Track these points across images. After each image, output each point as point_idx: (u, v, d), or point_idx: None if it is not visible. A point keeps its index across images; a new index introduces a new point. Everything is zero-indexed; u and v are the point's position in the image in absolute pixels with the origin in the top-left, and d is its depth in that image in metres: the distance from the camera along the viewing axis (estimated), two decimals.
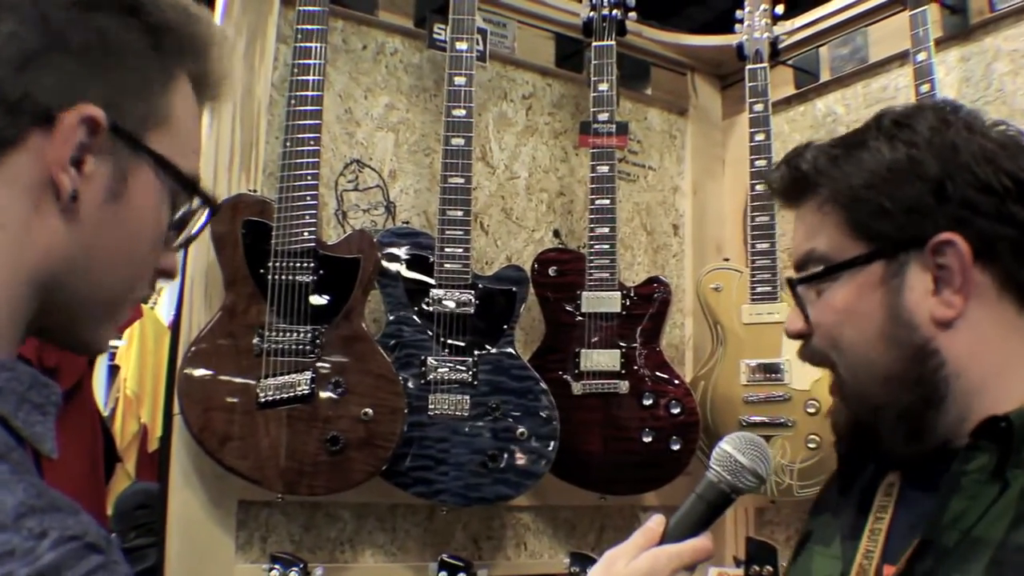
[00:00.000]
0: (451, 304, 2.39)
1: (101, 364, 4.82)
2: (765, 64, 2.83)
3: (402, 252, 2.42)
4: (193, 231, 1.02)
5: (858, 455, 1.39)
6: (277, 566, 2.25)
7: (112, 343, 4.76)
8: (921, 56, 2.48)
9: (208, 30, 0.99)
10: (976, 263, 1.17)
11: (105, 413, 4.48)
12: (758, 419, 2.60)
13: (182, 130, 0.97)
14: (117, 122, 0.89)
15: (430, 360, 2.37)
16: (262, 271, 2.22)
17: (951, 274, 1.17)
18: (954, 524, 1.13)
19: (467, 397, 2.37)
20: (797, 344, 1.36)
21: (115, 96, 0.89)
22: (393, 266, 2.40)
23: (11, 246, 0.86)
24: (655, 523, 1.24)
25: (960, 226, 1.16)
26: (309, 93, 2.30)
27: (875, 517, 1.28)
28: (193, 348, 2.18)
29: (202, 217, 1.02)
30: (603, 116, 2.70)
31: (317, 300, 2.24)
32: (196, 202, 1.00)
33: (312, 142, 2.28)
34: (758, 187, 2.73)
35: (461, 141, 2.44)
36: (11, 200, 0.86)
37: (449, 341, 2.39)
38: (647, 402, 2.58)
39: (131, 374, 4.55)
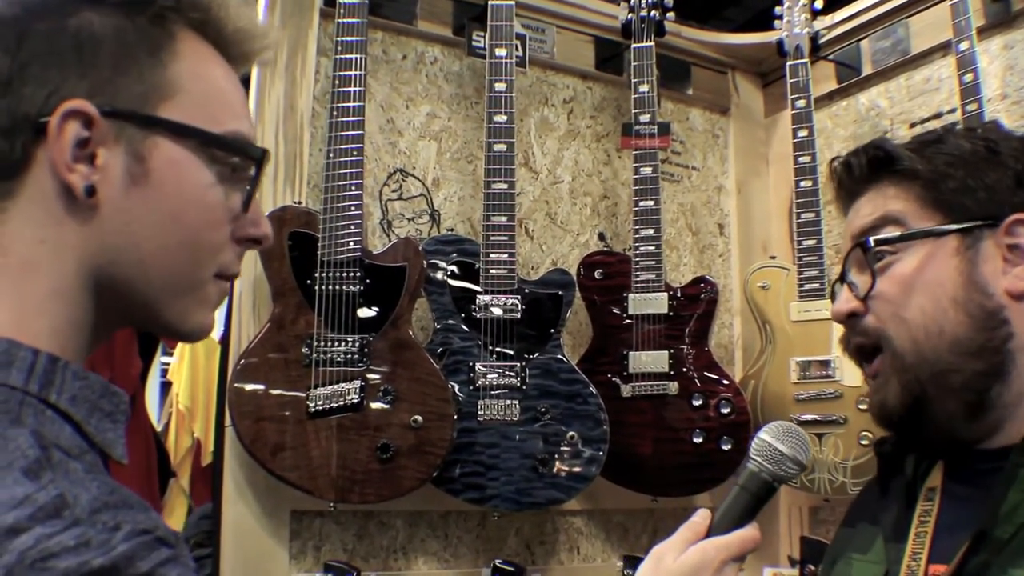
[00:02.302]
0: (498, 310, 2.40)
1: (153, 380, 4.86)
2: (806, 60, 2.82)
3: (448, 259, 2.43)
4: (247, 188, 1.01)
5: (897, 452, 1.39)
6: (331, 575, 2.26)
7: (163, 360, 4.82)
8: (963, 45, 2.45)
9: None
10: None
11: (158, 428, 4.53)
12: (809, 417, 2.58)
13: (201, 94, 0.97)
14: (111, 107, 0.90)
15: (478, 366, 2.37)
16: (309, 282, 2.23)
17: (1022, 253, 1.23)
18: (1009, 517, 1.13)
19: (516, 402, 2.37)
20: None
21: (102, 85, 0.90)
22: (439, 274, 2.41)
23: (55, 256, 0.90)
24: (700, 517, 1.24)
25: None
26: (351, 104, 2.31)
27: (919, 520, 1.28)
28: (242, 361, 2.20)
29: (250, 169, 1.00)
30: (644, 117, 2.70)
31: (364, 310, 2.25)
32: (234, 159, 0.99)
33: (355, 152, 2.29)
34: (803, 183, 2.71)
35: (503, 147, 2.44)
36: (42, 214, 0.89)
37: (497, 347, 2.40)
38: (697, 403, 2.57)
39: (183, 389, 4.58)
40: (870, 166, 1.33)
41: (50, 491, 0.75)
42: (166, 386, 4.99)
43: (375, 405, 2.22)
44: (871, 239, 1.30)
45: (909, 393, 1.27)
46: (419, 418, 2.22)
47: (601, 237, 2.95)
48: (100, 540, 0.73)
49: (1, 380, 0.83)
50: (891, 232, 1.29)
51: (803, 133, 2.74)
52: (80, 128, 0.88)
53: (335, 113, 2.31)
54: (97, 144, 0.89)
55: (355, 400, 2.20)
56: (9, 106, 0.88)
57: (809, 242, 2.68)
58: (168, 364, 4.89)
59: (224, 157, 0.97)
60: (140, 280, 0.94)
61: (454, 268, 2.42)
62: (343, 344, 2.22)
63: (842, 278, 1.34)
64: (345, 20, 2.35)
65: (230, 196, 0.99)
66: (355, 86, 2.33)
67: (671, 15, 2.80)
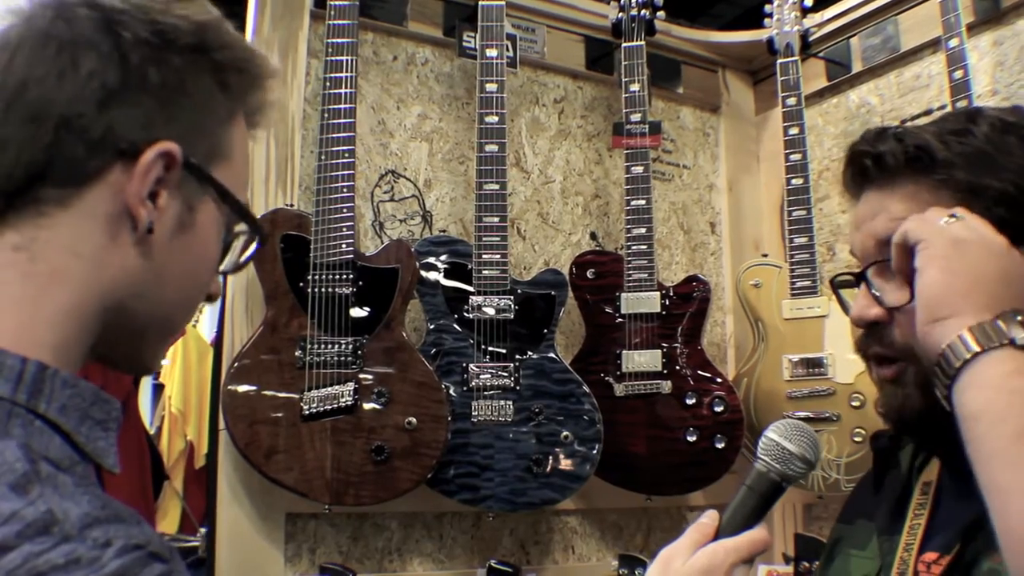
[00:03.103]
0: (491, 311, 2.40)
1: (146, 383, 4.85)
2: (796, 57, 2.82)
3: (440, 260, 2.43)
4: (242, 259, 1.05)
5: (892, 446, 1.38)
6: None
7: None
8: (953, 42, 2.46)
9: (264, 66, 1.02)
10: None
11: (151, 431, 4.52)
12: (802, 414, 2.58)
13: (238, 163, 1.01)
14: (189, 157, 0.93)
15: (472, 367, 2.37)
16: (302, 284, 2.23)
17: None
18: None
19: (510, 403, 2.37)
20: (840, 338, 1.34)
21: (186, 132, 0.93)
22: (432, 275, 2.41)
23: (86, 274, 0.90)
24: (708, 518, 1.22)
25: None
26: (342, 106, 2.31)
27: (914, 513, 1.27)
28: (236, 364, 2.20)
29: (252, 245, 1.05)
30: (635, 117, 2.70)
31: (357, 311, 2.25)
32: (241, 227, 1.04)
33: (347, 155, 2.29)
34: (794, 181, 2.71)
35: (495, 148, 2.45)
36: (90, 231, 0.90)
37: (490, 348, 2.40)
38: (690, 401, 2.57)
39: (176, 392, 4.58)
40: (908, 163, 1.24)
41: (39, 506, 0.73)
42: (158, 388, 4.99)
43: (369, 407, 2.22)
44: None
45: (932, 405, 1.23)
46: (413, 420, 2.22)
47: (593, 236, 2.95)
48: (91, 557, 0.72)
49: None
50: None
51: (794, 131, 2.75)
52: (163, 168, 0.90)
53: (326, 115, 2.31)
54: (165, 186, 0.92)
55: (349, 402, 2.20)
56: (106, 121, 0.89)
57: (801, 240, 2.68)
58: (161, 366, 4.88)
59: (233, 224, 1.02)
60: (148, 318, 0.96)
61: (446, 269, 2.42)
62: (337, 346, 2.22)
63: (861, 278, 1.26)
64: (336, 22, 2.35)
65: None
66: (346, 88, 2.33)
67: (661, 14, 2.80)
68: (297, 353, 2.20)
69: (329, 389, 2.20)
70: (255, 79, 1.01)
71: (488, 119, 2.46)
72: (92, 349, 0.94)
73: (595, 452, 2.41)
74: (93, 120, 0.88)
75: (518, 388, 2.39)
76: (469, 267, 2.42)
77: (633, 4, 2.78)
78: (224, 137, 0.98)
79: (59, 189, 0.89)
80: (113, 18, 0.91)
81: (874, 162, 1.27)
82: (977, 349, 1.03)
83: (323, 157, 2.29)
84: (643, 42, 2.76)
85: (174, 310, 0.99)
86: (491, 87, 2.48)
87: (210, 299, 1.06)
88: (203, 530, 3.30)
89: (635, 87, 2.72)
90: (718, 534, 1.21)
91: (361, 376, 2.23)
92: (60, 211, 0.89)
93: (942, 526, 1.22)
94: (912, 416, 1.26)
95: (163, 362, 4.73)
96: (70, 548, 0.72)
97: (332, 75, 2.33)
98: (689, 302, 2.63)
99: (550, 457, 2.38)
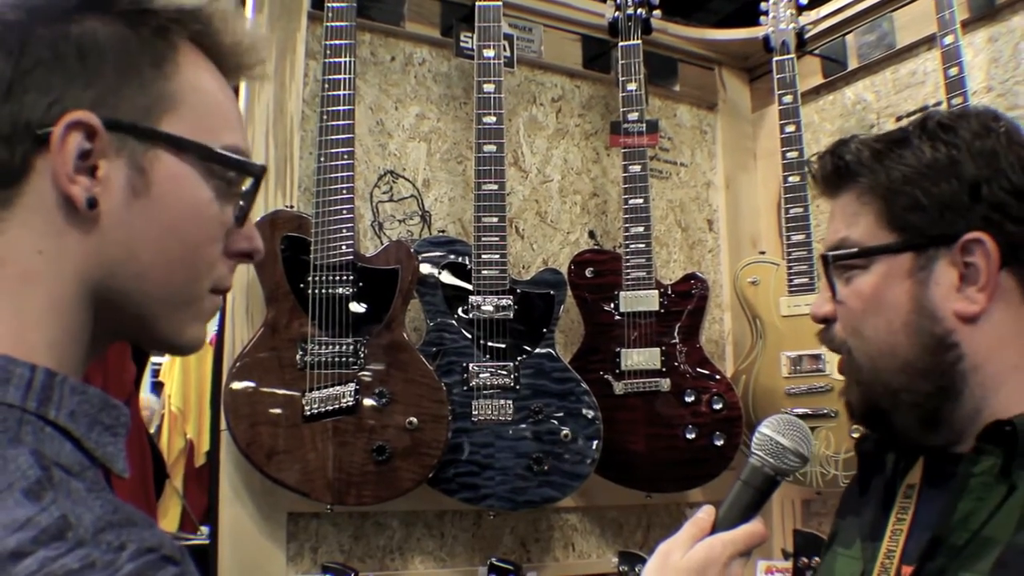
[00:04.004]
0: (490, 310, 2.41)
1: (145, 381, 4.86)
2: (792, 55, 2.83)
3: (439, 261, 2.44)
4: (243, 203, 1.00)
5: (877, 450, 1.41)
6: None
7: (155, 360, 4.82)
8: (948, 39, 2.47)
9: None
10: (1003, 267, 1.21)
11: (151, 430, 4.53)
12: (801, 411, 2.59)
13: (200, 107, 0.96)
14: (114, 119, 0.89)
15: (472, 366, 2.38)
16: (302, 286, 2.24)
17: (977, 272, 1.21)
18: (963, 524, 1.16)
19: (510, 401, 2.38)
20: None
21: (105, 95, 0.89)
22: (431, 275, 2.42)
23: (53, 268, 0.88)
24: (705, 513, 1.25)
25: (990, 227, 1.21)
26: (341, 108, 2.32)
27: (896, 518, 1.30)
28: (238, 364, 2.21)
29: (247, 185, 1.00)
30: (633, 116, 2.71)
31: (358, 312, 2.27)
32: (233, 174, 0.99)
33: (346, 156, 2.30)
34: (791, 179, 2.73)
35: (493, 148, 2.45)
36: (42, 224, 0.88)
37: (490, 346, 2.41)
38: (689, 399, 2.59)
39: (175, 391, 4.59)
40: (835, 174, 1.33)
41: (52, 512, 0.74)
42: (157, 386, 5.00)
43: (370, 407, 2.23)
44: (831, 255, 1.31)
45: (867, 402, 1.30)
46: (414, 420, 2.23)
47: (591, 235, 2.97)
48: (105, 561, 0.73)
49: None
50: (851, 249, 1.29)
51: (790, 129, 2.76)
52: (83, 139, 0.87)
53: (325, 117, 2.32)
54: (99, 156, 0.88)
55: (350, 403, 2.21)
56: (10, 113, 0.86)
57: (798, 237, 2.69)
58: (159, 365, 4.89)
59: (222, 172, 0.97)
60: (138, 293, 0.93)
61: (446, 269, 2.43)
62: (337, 347, 2.23)
63: (825, 275, 1.34)
64: (334, 24, 2.36)
65: (224, 210, 0.98)
66: (345, 89, 2.33)
67: (657, 12, 2.81)
68: (298, 354, 2.21)
69: (330, 390, 2.21)
70: (184, 16, 0.96)
71: (486, 119, 2.47)
72: (101, 338, 0.94)
73: (595, 450, 2.42)
74: (0, 117, 0.87)
75: (518, 387, 2.40)
76: (468, 267, 2.43)
77: (629, 3, 2.78)
78: (162, 85, 0.93)
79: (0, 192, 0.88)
80: None
81: (820, 174, 1.37)
82: None
83: (322, 159, 2.30)
84: (640, 41, 2.77)
85: (167, 278, 0.94)
86: (489, 87, 2.49)
87: (244, 256, 1.02)
88: (205, 529, 3.31)
89: (632, 86, 2.73)
90: (715, 528, 1.24)
91: (362, 376, 2.24)
92: (8, 212, 0.88)
93: (919, 534, 1.25)
94: (856, 412, 1.35)
95: (162, 360, 4.75)
96: (85, 553, 0.72)
97: (330, 77, 2.34)
98: (687, 299, 2.64)
99: (550, 455, 2.39)
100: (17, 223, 0.88)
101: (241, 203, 1.00)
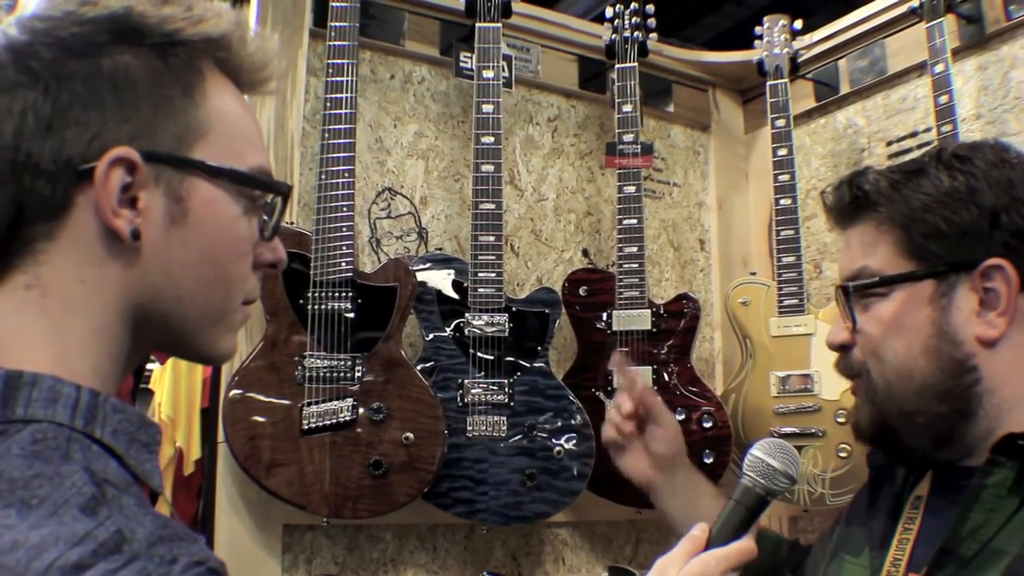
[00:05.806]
0: (486, 328, 2.44)
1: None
2: (785, 79, 2.87)
3: (436, 278, 2.47)
4: (273, 222, 1.05)
5: (888, 462, 1.45)
6: None
7: (148, 366, 4.82)
8: (939, 67, 2.51)
9: (219, 21, 0.99)
10: (1022, 291, 1.25)
11: None
12: (789, 430, 2.63)
13: (227, 130, 0.99)
14: (151, 151, 0.92)
15: (467, 383, 2.41)
16: (301, 302, 2.27)
17: (997, 297, 1.26)
18: (973, 535, 1.19)
19: (504, 418, 2.41)
20: (826, 355, 1.43)
21: (142, 128, 0.92)
22: (428, 292, 2.45)
23: (95, 297, 0.92)
24: (699, 530, 1.29)
25: (1010, 254, 1.26)
26: (342, 126, 2.34)
27: (903, 528, 1.34)
28: (237, 377, 2.23)
29: (278, 204, 1.05)
30: (628, 137, 2.74)
31: (356, 328, 2.29)
32: (259, 193, 1.03)
33: (347, 174, 2.32)
34: (783, 201, 2.76)
35: (491, 168, 2.48)
36: (84, 255, 0.92)
37: (485, 362, 2.44)
38: (679, 417, 2.61)
39: (165, 399, 4.58)
40: (853, 204, 1.37)
41: (108, 527, 0.77)
42: (146, 393, 4.99)
43: (367, 422, 2.25)
44: (851, 285, 1.35)
45: (878, 424, 1.34)
46: (411, 435, 2.26)
47: (585, 253, 3.00)
48: (160, 573, 0.76)
49: (48, 417, 0.85)
50: (872, 278, 1.34)
51: (783, 152, 2.80)
52: (124, 174, 0.90)
53: (326, 135, 2.34)
54: (139, 188, 0.92)
55: (348, 418, 2.24)
56: (51, 149, 0.89)
57: (789, 259, 2.73)
58: (150, 372, 4.89)
59: (250, 192, 1.01)
60: (177, 314, 0.97)
61: (443, 287, 2.46)
62: (336, 362, 2.26)
63: (842, 305, 1.38)
64: (336, 43, 2.38)
65: (251, 225, 1.02)
66: (346, 108, 2.36)
67: (654, 35, 2.85)
68: (297, 368, 2.24)
69: (328, 404, 2.24)
70: (208, 41, 0.98)
71: (484, 139, 2.50)
72: (136, 354, 0.98)
73: (587, 467, 2.45)
74: (41, 154, 0.89)
75: (512, 404, 2.43)
76: (465, 285, 2.46)
77: (627, 26, 2.82)
78: (192, 113, 0.96)
79: (42, 225, 0.91)
80: (21, 51, 0.91)
81: (836, 204, 1.41)
82: None
83: (323, 176, 2.32)
84: (636, 63, 2.80)
85: (205, 297, 0.98)
86: (487, 108, 2.52)
87: (271, 267, 1.07)
88: (201, 538, 3.32)
89: (628, 108, 2.77)
90: (709, 544, 1.29)
91: (360, 392, 2.26)
92: (51, 244, 0.91)
93: (926, 544, 1.29)
94: (865, 433, 1.38)
95: (154, 366, 4.75)
96: (140, 565, 0.76)
97: (332, 95, 2.36)
98: (679, 319, 2.68)
99: (543, 471, 2.42)
100: (59, 254, 0.91)
101: (265, 217, 1.04)
